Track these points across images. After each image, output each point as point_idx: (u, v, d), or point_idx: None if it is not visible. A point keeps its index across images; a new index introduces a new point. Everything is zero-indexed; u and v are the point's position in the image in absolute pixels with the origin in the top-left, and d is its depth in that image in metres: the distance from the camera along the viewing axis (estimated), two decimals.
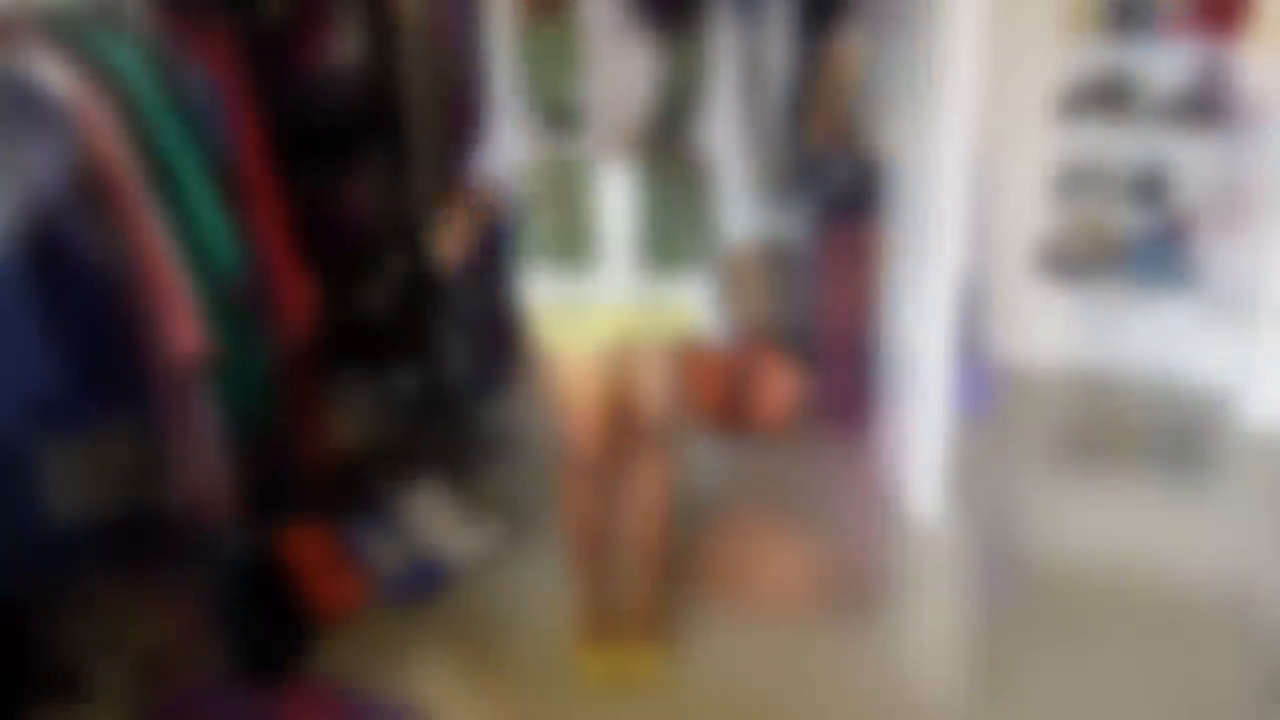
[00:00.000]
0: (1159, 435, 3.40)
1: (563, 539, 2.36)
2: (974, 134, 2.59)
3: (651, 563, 2.36)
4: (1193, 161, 3.48)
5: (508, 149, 2.06)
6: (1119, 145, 3.54)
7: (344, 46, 2.95)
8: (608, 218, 1.96)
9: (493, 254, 3.63)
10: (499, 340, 3.70)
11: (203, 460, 2.76)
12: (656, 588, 2.39)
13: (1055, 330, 3.80)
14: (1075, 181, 3.63)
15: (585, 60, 1.87)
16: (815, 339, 3.39)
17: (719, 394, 3.47)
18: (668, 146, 1.96)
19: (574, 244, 1.98)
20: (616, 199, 1.95)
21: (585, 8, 1.87)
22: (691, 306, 2.06)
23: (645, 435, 2.21)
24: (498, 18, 1.97)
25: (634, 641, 2.35)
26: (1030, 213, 3.72)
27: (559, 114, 1.92)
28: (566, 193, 1.96)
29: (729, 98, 2.01)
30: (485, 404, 3.65)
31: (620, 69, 1.87)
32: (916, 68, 2.81)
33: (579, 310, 2.03)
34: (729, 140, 2.03)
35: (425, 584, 2.65)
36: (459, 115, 3.56)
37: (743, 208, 2.07)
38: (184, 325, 2.15)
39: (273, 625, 2.42)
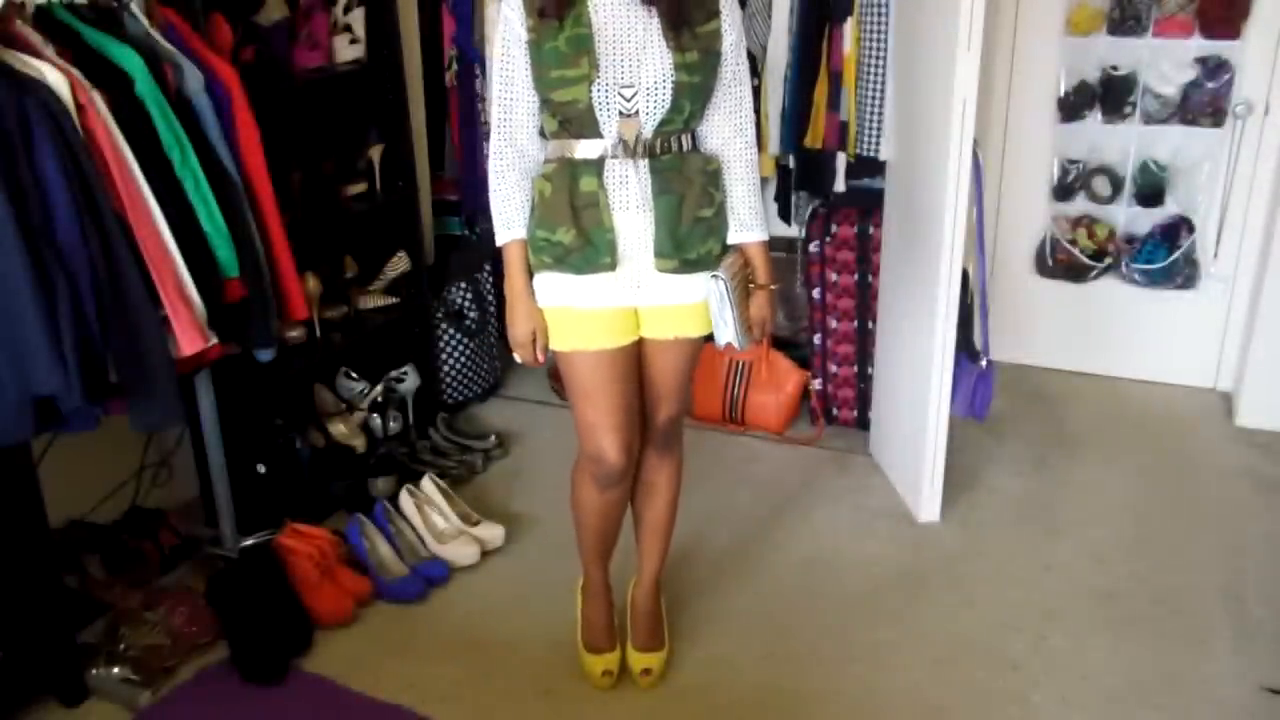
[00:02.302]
0: (1157, 435, 3.40)
1: (571, 539, 2.35)
2: (974, 133, 2.58)
3: (656, 561, 2.36)
4: (1193, 161, 3.48)
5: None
6: (1119, 145, 3.54)
7: (344, 46, 2.95)
8: (616, 218, 1.96)
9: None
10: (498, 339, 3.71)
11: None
12: (659, 586, 2.39)
13: (1055, 330, 3.80)
14: (1076, 181, 3.63)
15: (596, 60, 1.86)
16: (815, 339, 3.39)
17: (721, 393, 3.48)
18: (675, 146, 1.95)
19: (583, 245, 1.96)
20: (626, 199, 1.94)
21: (597, 8, 1.87)
22: (699, 306, 2.05)
23: (653, 434, 2.21)
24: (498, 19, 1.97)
25: (638, 642, 2.35)
26: (1031, 212, 3.72)
27: (569, 114, 1.91)
28: (574, 192, 1.94)
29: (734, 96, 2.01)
30: (485, 404, 3.66)
31: (631, 68, 1.87)
32: (917, 67, 2.81)
33: (587, 311, 2.01)
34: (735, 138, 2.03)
35: (425, 584, 2.65)
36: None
37: (751, 208, 2.06)
38: (187, 326, 2.15)
39: (273, 625, 2.41)
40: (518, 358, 2.07)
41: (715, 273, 2.00)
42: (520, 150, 1.99)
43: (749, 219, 2.05)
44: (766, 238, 2.08)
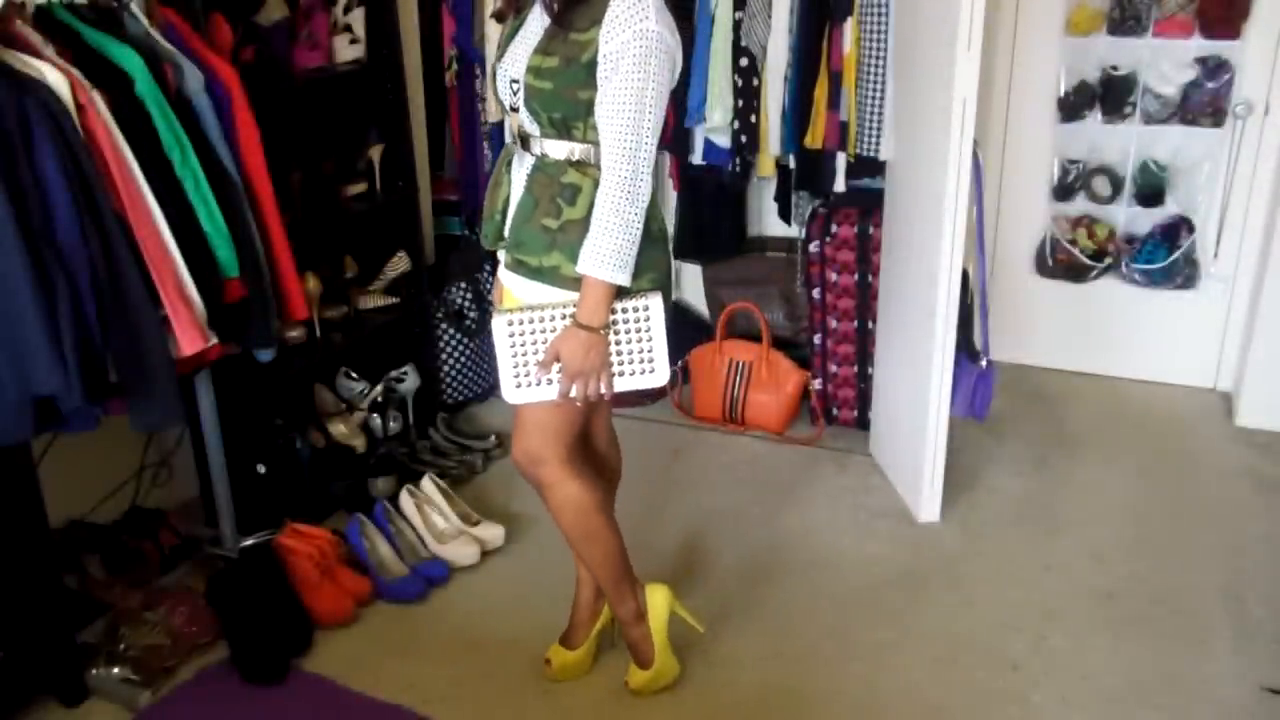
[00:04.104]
0: (1157, 435, 3.40)
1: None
2: (975, 133, 2.58)
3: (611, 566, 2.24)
4: (1193, 161, 3.48)
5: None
6: (1119, 145, 3.54)
7: (344, 46, 2.95)
8: (512, 203, 2.01)
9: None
10: None
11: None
12: (621, 615, 2.28)
13: (1055, 330, 3.80)
14: (1076, 181, 3.63)
15: (502, 53, 1.95)
16: (815, 339, 3.39)
17: (721, 393, 3.48)
18: (552, 151, 1.92)
19: (487, 218, 2.06)
20: (515, 188, 1.99)
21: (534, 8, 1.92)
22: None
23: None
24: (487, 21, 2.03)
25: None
26: (1031, 212, 3.72)
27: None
28: (500, 171, 2.05)
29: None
30: (485, 404, 3.66)
31: (517, 65, 1.90)
32: (916, 67, 2.81)
33: (505, 294, 2.12)
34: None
35: (425, 584, 2.65)
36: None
37: (592, 239, 1.87)
38: (187, 326, 2.15)
39: (273, 625, 2.41)
40: None
41: (500, 310, 1.97)
42: None
43: (585, 249, 1.87)
44: (599, 276, 1.87)
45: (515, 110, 1.94)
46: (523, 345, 1.95)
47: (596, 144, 1.88)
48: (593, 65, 1.81)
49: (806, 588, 2.66)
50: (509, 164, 2.02)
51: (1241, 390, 3.45)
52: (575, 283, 1.91)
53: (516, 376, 1.97)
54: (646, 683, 2.28)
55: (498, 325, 1.95)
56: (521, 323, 1.95)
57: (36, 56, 1.99)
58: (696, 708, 2.27)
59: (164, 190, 2.14)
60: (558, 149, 1.91)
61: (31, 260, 1.90)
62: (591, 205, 1.88)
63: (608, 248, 1.86)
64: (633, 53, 1.78)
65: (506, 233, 2.01)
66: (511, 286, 2.04)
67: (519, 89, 1.90)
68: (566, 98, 1.85)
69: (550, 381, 1.97)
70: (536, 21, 1.90)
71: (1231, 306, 3.55)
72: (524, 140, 1.96)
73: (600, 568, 2.20)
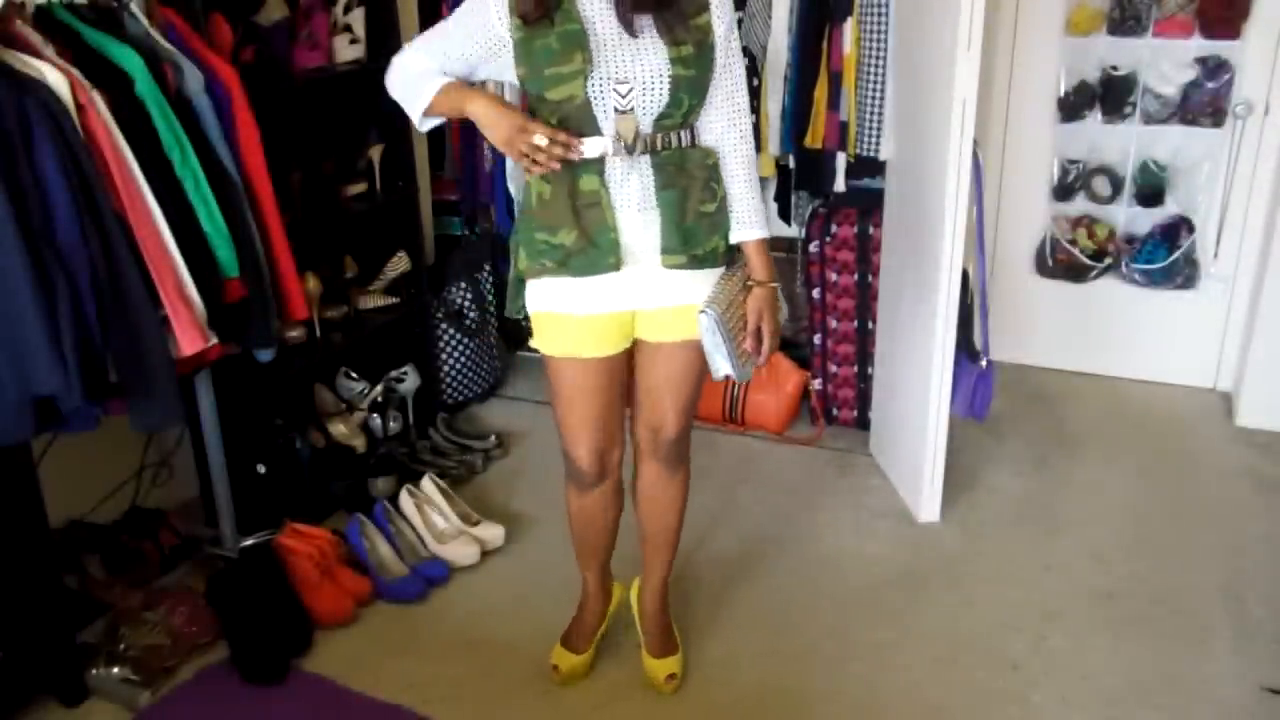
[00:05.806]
0: (1157, 435, 3.40)
1: (567, 541, 2.35)
2: (974, 133, 2.58)
3: (663, 571, 2.33)
4: (1193, 161, 3.48)
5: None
6: (1119, 145, 3.54)
7: (344, 46, 2.95)
8: (619, 217, 1.91)
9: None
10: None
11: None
12: (667, 593, 2.36)
13: (1055, 330, 3.80)
14: (1076, 181, 3.63)
15: (590, 55, 1.81)
16: (815, 339, 3.39)
17: (721, 393, 3.48)
18: (676, 141, 1.91)
19: (586, 246, 1.91)
20: (627, 198, 1.90)
21: (582, 7, 1.83)
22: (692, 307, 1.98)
23: (657, 450, 2.17)
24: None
25: (653, 649, 2.34)
26: (1031, 212, 3.72)
27: (566, 111, 1.85)
28: (575, 192, 1.90)
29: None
30: (485, 404, 3.66)
31: (626, 64, 1.83)
32: (917, 67, 2.81)
33: (585, 318, 1.97)
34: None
35: (425, 584, 2.65)
36: None
37: (748, 204, 1.99)
38: (187, 326, 2.15)
39: (273, 625, 2.41)
40: (538, 140, 1.82)
41: (703, 307, 1.92)
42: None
43: (747, 216, 1.98)
44: (766, 235, 2.01)
45: (627, 112, 1.84)
46: (730, 327, 1.97)
47: (696, 122, 1.96)
48: (714, 48, 1.91)
49: (806, 587, 2.66)
50: (599, 176, 1.88)
51: (1241, 390, 3.45)
52: (724, 256, 2.01)
53: (739, 358, 1.99)
54: (683, 665, 2.34)
55: (710, 319, 1.92)
56: (726, 308, 1.97)
57: (36, 56, 1.99)
58: (696, 707, 2.27)
59: (164, 190, 2.14)
60: (687, 136, 1.94)
61: (31, 260, 1.90)
62: (723, 180, 1.99)
63: (760, 208, 2.02)
64: (735, 32, 1.96)
65: (652, 240, 1.93)
66: (666, 294, 1.97)
67: (642, 88, 1.83)
68: (702, 82, 1.91)
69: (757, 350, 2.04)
70: (603, 20, 1.82)
71: (1231, 306, 3.56)
72: (628, 143, 1.86)
73: (677, 535, 2.30)
